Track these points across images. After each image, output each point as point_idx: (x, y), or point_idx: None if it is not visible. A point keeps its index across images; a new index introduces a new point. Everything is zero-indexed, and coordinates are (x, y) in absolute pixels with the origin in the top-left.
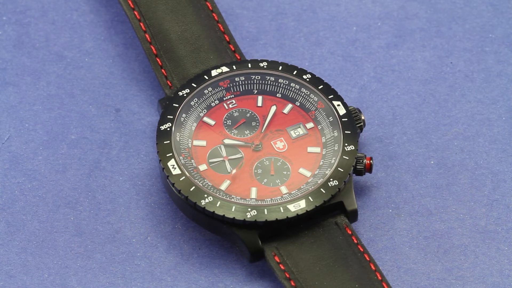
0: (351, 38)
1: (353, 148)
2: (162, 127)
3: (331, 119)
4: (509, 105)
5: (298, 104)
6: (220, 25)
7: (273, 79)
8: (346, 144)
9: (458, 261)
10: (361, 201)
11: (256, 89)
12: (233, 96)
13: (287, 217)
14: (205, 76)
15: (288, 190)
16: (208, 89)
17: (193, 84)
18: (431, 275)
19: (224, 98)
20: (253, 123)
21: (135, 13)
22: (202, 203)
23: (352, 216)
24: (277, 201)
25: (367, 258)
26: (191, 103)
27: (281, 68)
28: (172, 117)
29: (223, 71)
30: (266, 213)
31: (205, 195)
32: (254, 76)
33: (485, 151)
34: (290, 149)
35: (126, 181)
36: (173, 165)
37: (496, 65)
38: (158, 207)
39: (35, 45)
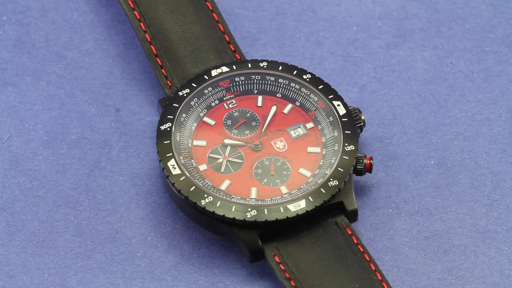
0: (351, 38)
1: (353, 148)
2: (162, 127)
3: (331, 119)
4: (509, 105)
5: (298, 104)
6: (220, 25)
7: (273, 79)
8: (346, 144)
9: (458, 261)
10: (361, 201)
11: (256, 89)
12: (233, 96)
13: (287, 217)
14: (205, 76)
15: (288, 190)
16: (208, 89)
17: (193, 84)
18: (431, 275)
19: (224, 98)
20: (253, 123)
21: (135, 13)
22: (202, 203)
23: (352, 216)
24: (277, 201)
25: (367, 258)
26: (191, 103)
27: (281, 68)
28: (172, 117)
29: (223, 71)
30: (266, 213)
31: (205, 195)
32: (254, 76)
33: (485, 151)
34: (290, 149)
35: (126, 181)
36: (173, 165)
37: (496, 65)
38: (158, 207)
39: (35, 45)
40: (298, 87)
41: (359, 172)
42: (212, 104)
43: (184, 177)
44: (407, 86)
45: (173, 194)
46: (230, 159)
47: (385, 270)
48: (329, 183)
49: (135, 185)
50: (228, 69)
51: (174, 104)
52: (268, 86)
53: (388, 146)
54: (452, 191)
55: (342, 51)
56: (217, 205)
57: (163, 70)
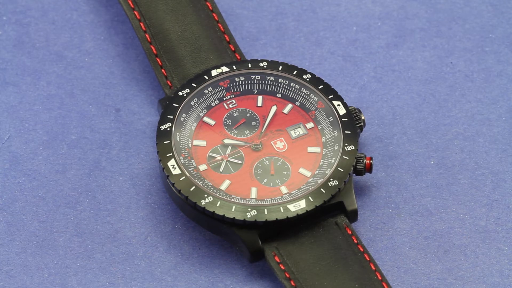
0: (351, 38)
1: (353, 148)
2: (162, 127)
3: (331, 119)
4: (509, 105)
5: (298, 104)
6: (220, 25)
7: (273, 79)
8: (346, 144)
9: (458, 261)
10: (361, 201)
11: (256, 89)
12: (233, 96)
13: (287, 217)
14: (205, 76)
15: (288, 190)
16: (208, 89)
17: (193, 84)
18: (431, 275)
19: (224, 98)
20: (253, 123)
21: (135, 13)
22: (202, 203)
23: (352, 216)
24: (277, 201)
25: (367, 258)
26: (191, 103)
27: (281, 68)
28: (172, 117)
29: (223, 71)
30: (266, 213)
31: (205, 195)
32: (254, 76)
33: (485, 151)
34: (290, 149)
35: (126, 181)
36: (173, 165)
37: (496, 65)
38: (158, 207)
39: (35, 45)
40: (298, 87)
41: (359, 172)
42: (212, 104)
43: (184, 177)
44: (407, 86)
45: (173, 194)
46: (230, 159)
47: (385, 270)
48: (329, 183)
49: (135, 185)
50: (228, 69)
51: (174, 104)
52: (268, 86)
53: (388, 146)
54: (452, 191)
55: (342, 51)
56: (217, 205)
57: (163, 70)
